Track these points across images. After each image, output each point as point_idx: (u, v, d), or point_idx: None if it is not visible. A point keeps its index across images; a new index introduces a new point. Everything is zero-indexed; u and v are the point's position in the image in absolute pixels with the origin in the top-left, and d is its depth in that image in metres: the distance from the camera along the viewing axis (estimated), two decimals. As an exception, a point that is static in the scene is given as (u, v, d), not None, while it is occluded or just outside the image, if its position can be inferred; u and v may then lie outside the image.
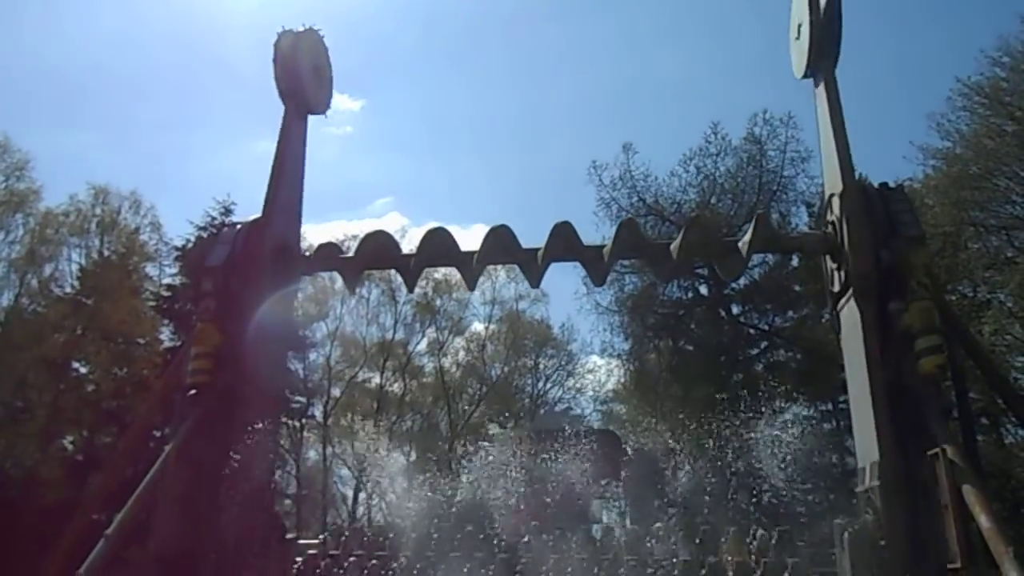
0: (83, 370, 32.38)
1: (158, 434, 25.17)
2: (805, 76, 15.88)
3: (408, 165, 71.18)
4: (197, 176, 65.99)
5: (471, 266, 16.69)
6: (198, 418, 14.81)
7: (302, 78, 18.23)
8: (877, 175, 13.55)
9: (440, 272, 37.12)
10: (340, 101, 59.01)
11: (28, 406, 30.13)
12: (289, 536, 17.27)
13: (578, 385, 44.09)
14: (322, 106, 19.43)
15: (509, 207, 68.72)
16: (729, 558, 14.51)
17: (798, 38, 16.35)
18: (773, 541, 14.56)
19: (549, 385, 43.90)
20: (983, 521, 10.14)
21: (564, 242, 16.18)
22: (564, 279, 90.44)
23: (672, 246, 16.02)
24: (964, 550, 10.48)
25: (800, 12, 14.65)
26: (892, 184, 15.43)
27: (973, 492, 10.44)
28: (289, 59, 18.13)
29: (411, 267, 16.93)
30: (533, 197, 68.60)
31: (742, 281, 31.83)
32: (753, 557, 14.36)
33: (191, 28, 68.21)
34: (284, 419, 39.45)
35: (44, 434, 28.70)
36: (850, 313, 13.89)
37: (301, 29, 17.30)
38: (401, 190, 71.40)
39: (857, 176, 22.65)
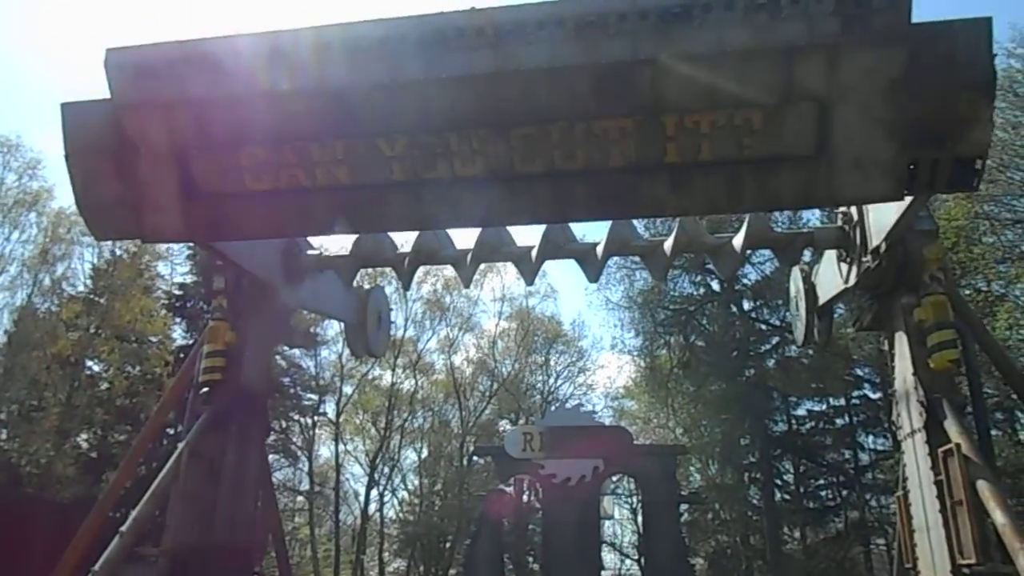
0: (96, 368, 32.62)
1: (171, 432, 25.45)
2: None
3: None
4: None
5: (465, 264, 16.76)
6: (211, 416, 14.95)
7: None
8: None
9: (449, 270, 37.10)
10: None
11: (42, 404, 30.38)
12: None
13: (589, 381, 44.14)
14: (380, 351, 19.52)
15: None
16: None
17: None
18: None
19: (560, 382, 43.94)
20: (998, 517, 10.08)
21: (557, 239, 16.21)
22: (574, 275, 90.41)
23: (665, 244, 16.01)
24: (979, 546, 10.44)
25: None
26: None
27: (988, 487, 10.39)
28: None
29: (405, 265, 17.02)
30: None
31: (753, 277, 31.79)
32: None
33: (191, 26, 68.48)
34: (296, 416, 39.67)
35: (58, 432, 28.92)
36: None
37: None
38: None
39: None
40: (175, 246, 35.90)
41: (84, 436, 31.60)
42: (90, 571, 13.06)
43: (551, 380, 43.76)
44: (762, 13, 8.98)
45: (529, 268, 16.64)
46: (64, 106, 11.34)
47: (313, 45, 9.94)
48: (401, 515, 42.43)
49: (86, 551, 14.17)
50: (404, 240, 17.47)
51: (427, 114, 9.99)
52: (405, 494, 43.60)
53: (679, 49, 9.08)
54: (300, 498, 41.65)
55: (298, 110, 10.42)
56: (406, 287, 19.21)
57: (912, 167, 10.09)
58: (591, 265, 16.75)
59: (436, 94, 9.78)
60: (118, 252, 33.51)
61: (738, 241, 15.18)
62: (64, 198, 34.58)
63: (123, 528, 13.85)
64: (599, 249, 16.16)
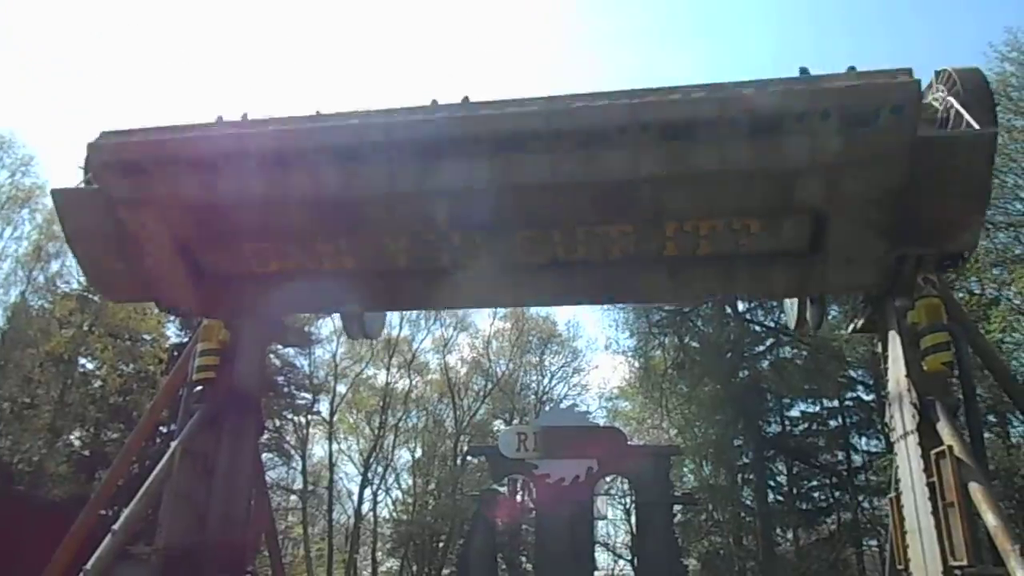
0: (90, 366, 32.51)
1: (165, 430, 25.37)
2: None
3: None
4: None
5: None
6: (204, 414, 14.90)
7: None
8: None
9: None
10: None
11: (35, 402, 30.25)
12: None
13: (583, 382, 44.15)
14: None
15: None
16: None
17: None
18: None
19: (554, 382, 43.96)
20: (989, 519, 10.12)
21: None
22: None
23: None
24: (970, 547, 10.47)
25: None
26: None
27: (980, 490, 10.42)
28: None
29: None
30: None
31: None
32: None
33: (197, 29, 68.38)
34: (290, 415, 39.61)
35: (51, 430, 28.83)
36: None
37: None
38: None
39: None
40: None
41: (77, 434, 31.50)
42: (82, 570, 13.00)
43: (545, 380, 43.86)
44: (766, 132, 8.92)
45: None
46: (55, 192, 10.95)
47: (310, 150, 9.71)
48: (395, 514, 42.41)
49: (78, 549, 14.12)
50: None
51: (428, 219, 9.90)
52: (399, 493, 43.59)
53: (681, 166, 8.89)
54: (293, 497, 41.57)
55: (298, 216, 10.31)
56: None
57: (900, 259, 10.05)
58: None
59: (435, 204, 9.68)
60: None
61: None
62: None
63: (115, 526, 13.80)
64: None
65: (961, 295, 23.71)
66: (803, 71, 10.71)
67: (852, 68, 9.50)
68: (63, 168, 55.97)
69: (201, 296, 11.14)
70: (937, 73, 11.02)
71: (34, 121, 53.55)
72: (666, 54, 68.89)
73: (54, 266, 32.60)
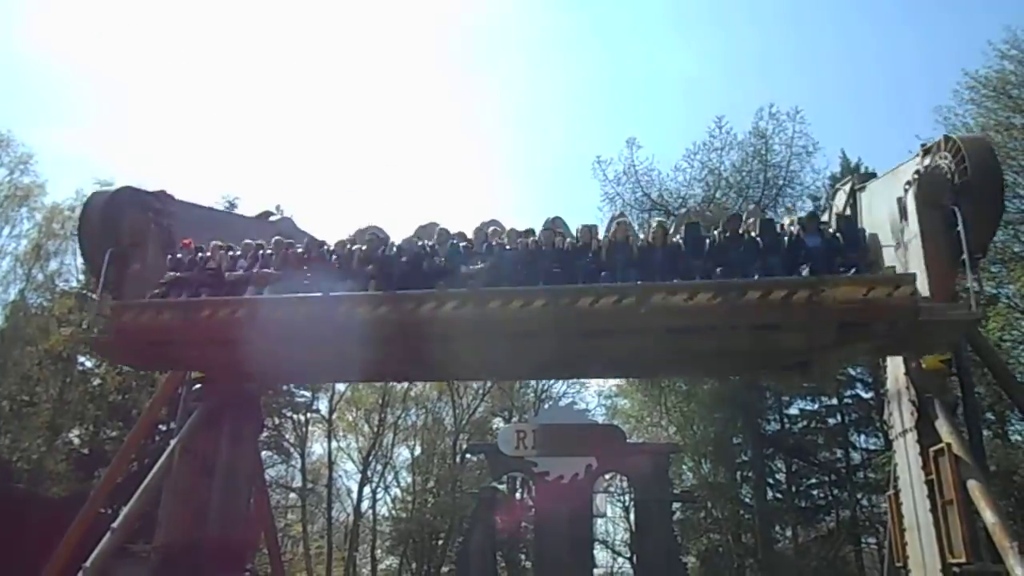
0: (88, 364, 32.47)
1: (164, 428, 25.36)
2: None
3: (436, 163, 71.16)
4: (198, 171, 66.14)
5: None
6: (203, 412, 14.91)
7: None
8: (884, 168, 13.41)
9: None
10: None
11: (34, 400, 30.24)
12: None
13: (582, 380, 44.04)
14: None
15: (524, 203, 68.87)
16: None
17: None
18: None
19: (553, 380, 43.82)
20: (988, 516, 10.15)
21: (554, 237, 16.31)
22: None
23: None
24: (968, 545, 10.50)
25: None
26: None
27: (978, 487, 10.45)
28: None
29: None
30: (543, 192, 68.59)
31: (747, 275, 31.77)
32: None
33: (193, 20, 68.28)
34: (289, 413, 39.58)
35: (50, 428, 28.81)
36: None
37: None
38: (429, 190, 71.02)
39: (864, 169, 22.85)
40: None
41: (76, 432, 31.47)
42: (81, 567, 13.03)
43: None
44: (766, 330, 9.80)
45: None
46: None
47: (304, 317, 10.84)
48: (394, 512, 42.37)
49: (77, 547, 14.15)
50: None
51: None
52: (398, 491, 43.56)
53: (686, 354, 10.30)
54: (293, 495, 41.54)
55: (300, 355, 11.35)
56: None
57: None
58: None
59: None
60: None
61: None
62: (57, 194, 34.40)
63: (114, 524, 13.82)
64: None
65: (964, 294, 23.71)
66: (812, 215, 12.10)
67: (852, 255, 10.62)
68: (62, 169, 55.95)
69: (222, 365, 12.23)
70: (945, 139, 11.18)
71: (32, 117, 53.58)
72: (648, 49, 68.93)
73: (53, 264, 32.61)
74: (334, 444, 41.18)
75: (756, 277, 10.19)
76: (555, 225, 15.41)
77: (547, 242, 11.50)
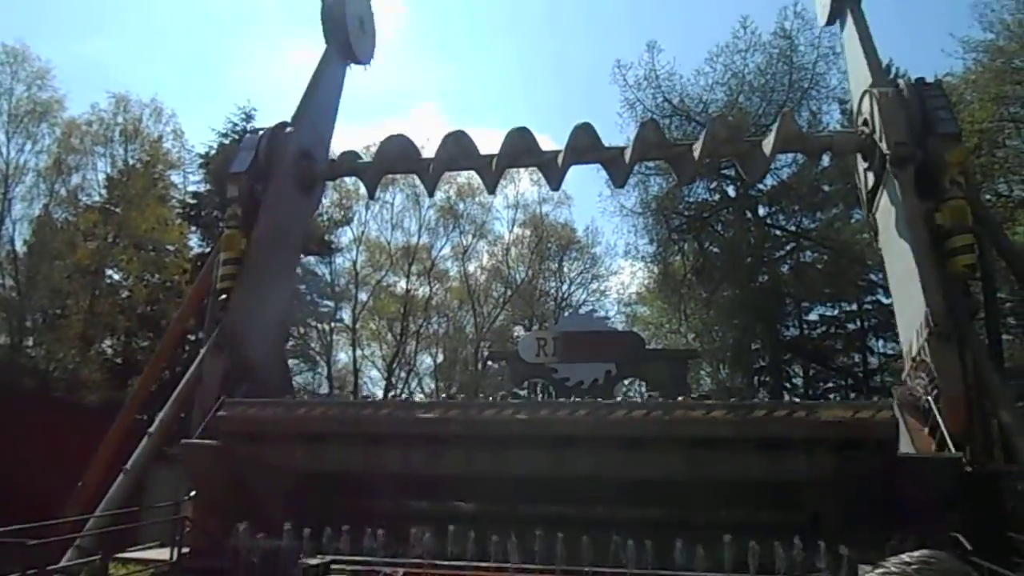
0: (116, 277, 33.10)
1: (192, 338, 26.00)
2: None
3: (452, 69, 69.53)
4: (214, 83, 65.23)
5: (490, 169, 16.65)
6: (229, 323, 15.24)
7: (347, 29, 18.17)
8: (916, 70, 13.02)
9: (463, 176, 36.86)
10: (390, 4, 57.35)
11: (65, 312, 31.02)
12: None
13: (602, 288, 44.35)
14: (366, 58, 19.41)
15: (549, 110, 67.64)
16: None
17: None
18: None
19: (573, 288, 44.16)
20: (1004, 417, 10.32)
21: (584, 144, 16.05)
22: (588, 182, 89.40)
23: (695, 147, 15.82)
24: (984, 446, 10.70)
25: None
26: (929, 80, 14.98)
27: (995, 390, 10.57)
28: (335, 8, 18.00)
29: (430, 171, 16.93)
30: (568, 99, 67.21)
31: (769, 182, 31.35)
32: None
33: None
34: (314, 323, 40.34)
35: (82, 339, 29.64)
36: (886, 210, 13.78)
37: None
38: (445, 94, 69.77)
39: (893, 72, 22.19)
40: (185, 155, 35.87)
41: (108, 343, 32.38)
42: (122, 469, 13.67)
43: (564, 286, 44.05)
44: (773, 448, 10.94)
45: (555, 174, 16.56)
46: (184, 446, 13.32)
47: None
48: (418, 418, 43.64)
49: (116, 451, 14.80)
50: (424, 143, 17.33)
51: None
52: (421, 397, 44.70)
53: (701, 469, 11.07)
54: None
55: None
56: (430, 193, 19.18)
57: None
58: (618, 170, 16.63)
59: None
60: (131, 162, 33.47)
61: (768, 144, 15.00)
62: (76, 107, 34.17)
63: (151, 429, 14.41)
64: (627, 153, 16.00)
65: (988, 197, 23.28)
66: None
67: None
68: (78, 82, 55.40)
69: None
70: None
71: (46, 30, 52.67)
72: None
73: (75, 179, 32.84)
74: (358, 352, 42.10)
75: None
76: (585, 130, 15.23)
77: None
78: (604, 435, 11.58)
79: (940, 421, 10.69)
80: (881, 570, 1.05)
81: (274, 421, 12.86)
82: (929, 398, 11.60)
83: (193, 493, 13.60)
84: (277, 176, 16.17)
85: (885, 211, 13.93)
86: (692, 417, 11.49)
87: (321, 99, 17.28)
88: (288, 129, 16.90)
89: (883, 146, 13.45)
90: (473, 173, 24.96)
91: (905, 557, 1.06)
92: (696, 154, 15.45)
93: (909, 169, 13.04)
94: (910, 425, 12.30)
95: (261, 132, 17.16)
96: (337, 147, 20.01)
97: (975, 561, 8.28)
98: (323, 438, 12.55)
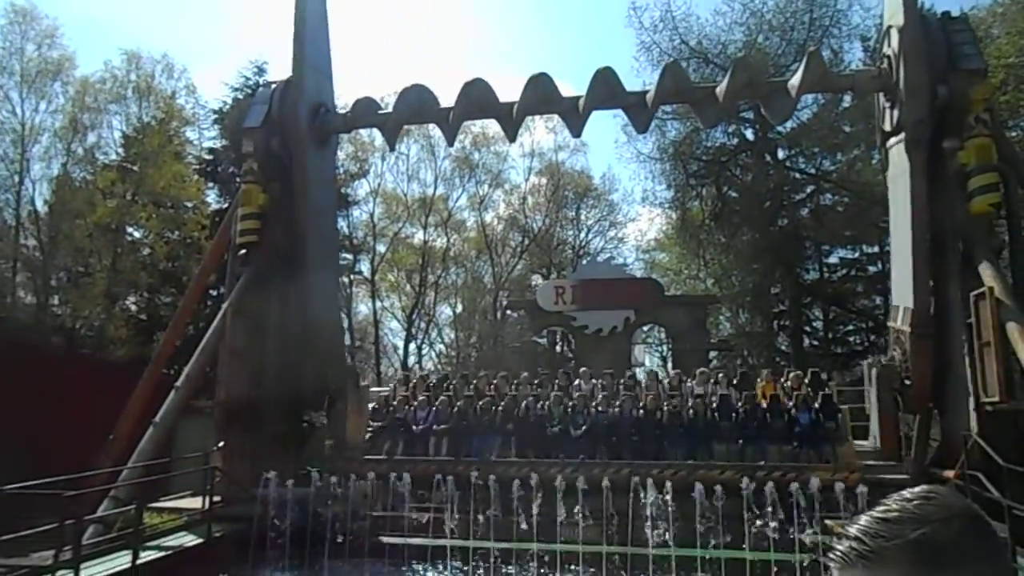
0: (137, 235, 33.38)
1: (215, 293, 26.31)
2: None
3: (469, 18, 68.32)
4: (226, 37, 64.61)
5: (511, 118, 16.46)
6: (251, 276, 15.39)
7: None
8: (940, 3, 12.69)
9: (478, 125, 36.56)
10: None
11: (88, 270, 31.42)
12: (363, 383, 18.55)
13: (620, 235, 44.16)
14: None
15: (566, 56, 66.50)
16: (763, 394, 15.17)
17: None
18: (806, 380, 15.23)
19: (591, 236, 43.99)
20: (1024, 357, 10.24)
21: (606, 89, 15.80)
22: (604, 128, 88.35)
23: (718, 89, 15.54)
24: (1004, 385, 10.66)
25: None
26: (955, 14, 14.54)
27: (1017, 329, 10.49)
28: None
29: (450, 120, 16.76)
30: (584, 44, 66.03)
31: (789, 124, 30.76)
32: (785, 393, 15.01)
33: None
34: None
35: (107, 296, 30.05)
36: (899, 154, 13.56)
37: None
38: (462, 42, 68.71)
39: (921, 4, 21.44)
40: (199, 111, 35.78)
41: (132, 299, 32.83)
42: (151, 423, 13.99)
43: (582, 234, 43.89)
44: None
45: (576, 121, 16.35)
46: None
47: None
48: (439, 367, 44.12)
49: (145, 404, 15.12)
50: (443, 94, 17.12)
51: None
52: (442, 347, 45.14)
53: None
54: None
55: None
56: (450, 142, 19.07)
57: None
58: (640, 115, 16.38)
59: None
60: (145, 119, 33.44)
61: (794, 84, 14.70)
62: (87, 65, 34.02)
63: (178, 383, 14.69)
64: (649, 98, 15.74)
65: (1014, 134, 22.77)
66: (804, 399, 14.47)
67: None
68: (87, 40, 55.02)
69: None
70: None
71: (51, -14, 52.04)
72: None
73: (91, 138, 32.88)
74: (378, 304, 42.43)
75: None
76: (606, 75, 15.01)
77: (627, 410, 14.76)
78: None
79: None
80: (882, 507, 1.06)
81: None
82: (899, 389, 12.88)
83: (221, 444, 13.93)
84: (292, 129, 16.08)
85: (898, 153, 13.75)
86: (709, 476, 12.61)
87: (311, 31, 16.81)
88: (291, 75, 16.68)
89: (902, 91, 13.19)
90: (488, 122, 24.73)
91: (906, 493, 1.07)
92: (720, 97, 15.19)
93: (923, 152, 12.94)
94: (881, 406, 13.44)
95: (274, 85, 17.02)
96: (347, 96, 19.89)
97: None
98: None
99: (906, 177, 13.08)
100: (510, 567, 12.03)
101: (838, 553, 1.06)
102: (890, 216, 14.87)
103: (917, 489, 1.08)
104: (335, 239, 21.53)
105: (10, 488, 9.69)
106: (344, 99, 20.43)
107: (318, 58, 16.98)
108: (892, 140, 14.10)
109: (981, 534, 1.03)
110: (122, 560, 10.31)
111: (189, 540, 11.92)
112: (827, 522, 11.02)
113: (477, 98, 16.14)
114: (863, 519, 1.06)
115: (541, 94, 15.98)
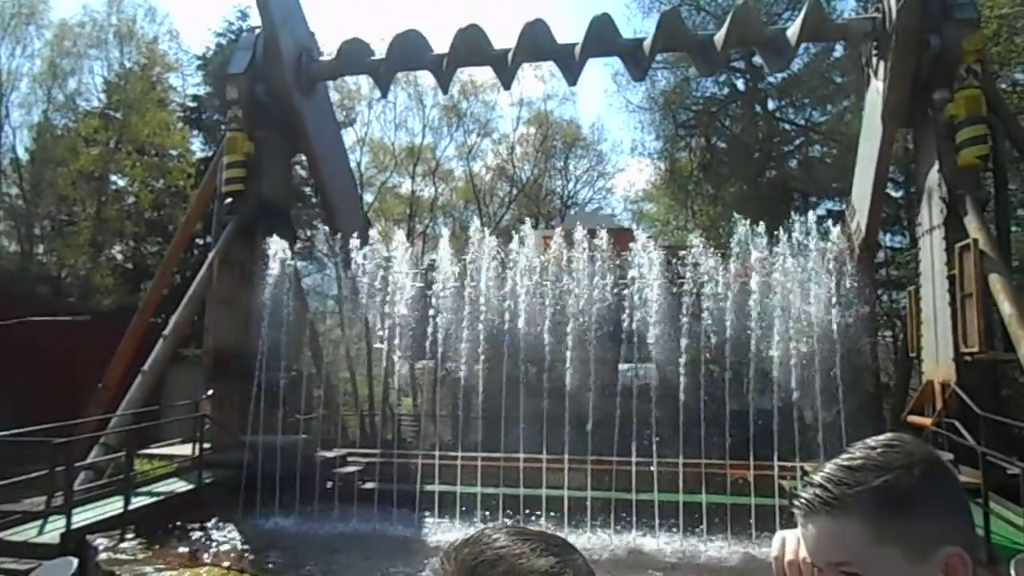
0: (121, 183, 32.92)
1: (201, 242, 26.15)
2: None
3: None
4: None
5: (506, 65, 16.23)
6: (236, 225, 15.31)
7: None
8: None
9: (466, 73, 35.97)
10: None
11: (73, 219, 31.07)
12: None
13: (608, 185, 43.99)
14: None
15: (557, 2, 65.20)
16: None
17: None
18: None
19: (579, 186, 43.81)
20: (1005, 308, 10.39)
21: (602, 37, 15.59)
22: (594, 77, 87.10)
23: (716, 37, 15.36)
24: (983, 335, 10.83)
25: None
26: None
27: (999, 280, 10.62)
28: None
29: (444, 67, 16.52)
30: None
31: (780, 74, 30.54)
32: None
33: None
34: (320, 224, 40.36)
35: (92, 245, 29.80)
36: (876, 93, 13.71)
37: None
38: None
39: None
40: (183, 57, 35.04)
41: (118, 248, 32.54)
42: (140, 371, 14.04)
43: (570, 185, 43.70)
44: None
45: (572, 68, 16.14)
46: None
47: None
48: (428, 317, 44.29)
49: (134, 353, 15.17)
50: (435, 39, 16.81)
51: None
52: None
53: None
54: (331, 302, 43.29)
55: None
56: (444, 90, 18.80)
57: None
58: (638, 62, 16.19)
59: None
60: (128, 65, 32.72)
61: (793, 32, 14.56)
62: (64, 10, 33.11)
63: (166, 332, 14.71)
64: (646, 45, 15.54)
65: (1004, 86, 22.65)
66: None
67: None
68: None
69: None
70: None
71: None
72: None
73: (71, 84, 32.18)
74: (366, 254, 42.25)
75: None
76: (603, 23, 14.82)
77: None
78: None
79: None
80: (846, 455, 1.08)
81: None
82: None
83: (210, 392, 14.01)
84: (277, 75, 15.83)
85: (874, 92, 13.93)
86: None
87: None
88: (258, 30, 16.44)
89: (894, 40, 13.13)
90: (477, 70, 24.35)
91: (870, 441, 1.08)
92: (718, 45, 15.04)
93: (897, 128, 13.34)
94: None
95: (257, 31, 16.68)
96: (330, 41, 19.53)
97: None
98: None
99: (878, 111, 13.27)
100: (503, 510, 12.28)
101: (802, 500, 1.07)
102: (859, 145, 15.32)
103: (881, 437, 1.09)
104: (353, 186, 21.22)
105: (0, 435, 9.76)
106: (331, 47, 20.05)
107: (288, 4, 16.67)
108: (873, 80, 14.18)
109: (942, 480, 1.05)
110: (114, 506, 10.46)
111: (180, 486, 12.09)
112: (805, 467, 11.27)
113: (471, 45, 15.91)
114: (827, 466, 1.07)
115: (536, 41, 15.77)
